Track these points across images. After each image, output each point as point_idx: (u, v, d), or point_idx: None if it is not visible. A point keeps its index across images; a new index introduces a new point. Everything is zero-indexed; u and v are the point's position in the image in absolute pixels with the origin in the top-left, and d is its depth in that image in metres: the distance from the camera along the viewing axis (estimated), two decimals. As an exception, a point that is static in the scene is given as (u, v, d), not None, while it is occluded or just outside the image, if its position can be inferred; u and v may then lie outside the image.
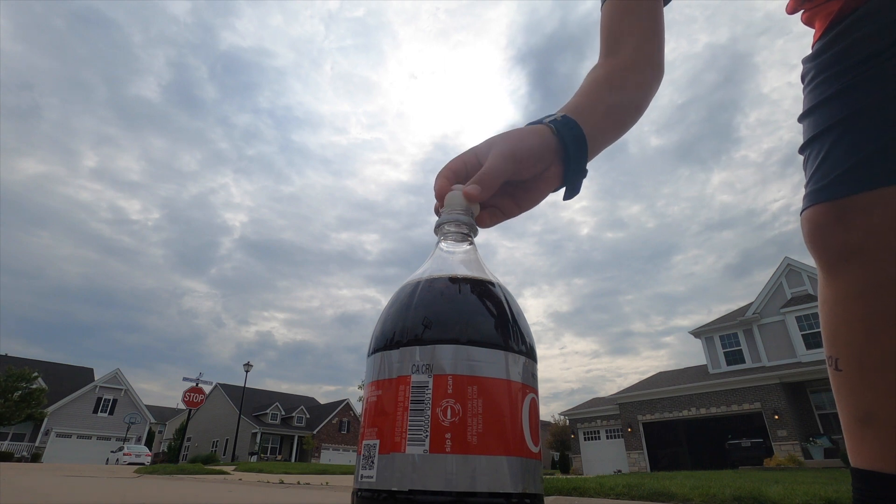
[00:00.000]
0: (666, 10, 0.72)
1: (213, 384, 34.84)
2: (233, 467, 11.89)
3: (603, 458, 21.28)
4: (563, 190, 0.55)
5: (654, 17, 0.70)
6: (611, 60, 0.67)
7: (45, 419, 29.77)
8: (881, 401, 0.53)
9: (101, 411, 33.07)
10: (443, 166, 0.50)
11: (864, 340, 0.55)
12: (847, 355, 0.57)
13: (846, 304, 0.58)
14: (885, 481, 0.52)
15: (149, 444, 36.67)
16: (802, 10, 0.72)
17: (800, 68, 0.71)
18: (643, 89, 0.67)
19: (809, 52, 0.69)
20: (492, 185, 0.46)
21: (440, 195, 0.48)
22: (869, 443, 0.54)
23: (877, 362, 0.54)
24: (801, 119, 0.68)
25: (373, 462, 0.35)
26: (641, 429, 18.85)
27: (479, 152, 0.49)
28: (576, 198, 0.57)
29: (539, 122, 0.54)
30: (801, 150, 0.68)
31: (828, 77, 0.63)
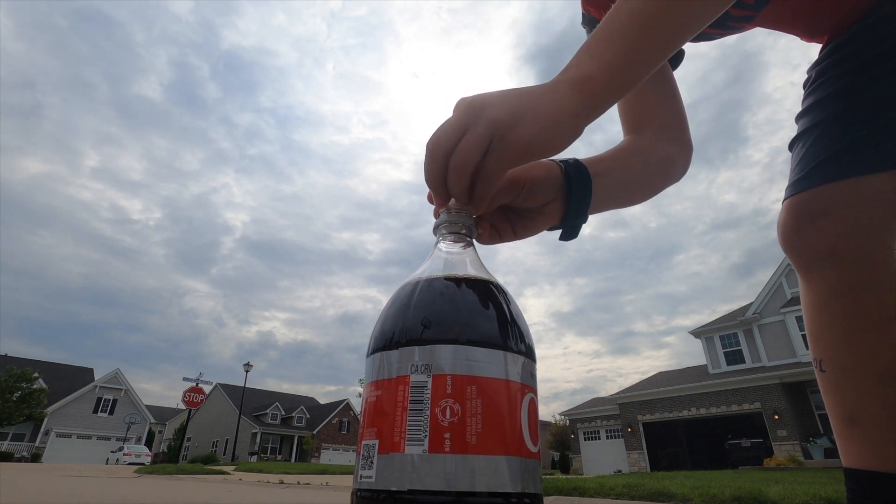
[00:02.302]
0: None
1: (213, 384, 34.86)
2: (233, 467, 11.89)
3: (603, 458, 21.28)
4: (560, 231, 0.55)
5: (668, 86, 0.72)
6: (636, 136, 0.69)
7: (45, 419, 29.76)
8: (865, 400, 0.54)
9: (101, 411, 33.05)
10: None
11: (845, 342, 0.56)
12: (830, 357, 0.58)
13: (825, 307, 0.59)
14: (875, 480, 0.52)
15: (149, 444, 36.65)
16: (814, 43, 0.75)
17: (803, 67, 0.73)
18: (670, 161, 0.68)
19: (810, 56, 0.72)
20: (488, 203, 0.46)
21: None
22: (856, 442, 0.55)
23: (857, 363, 0.55)
24: (796, 119, 0.70)
25: (372, 462, 0.35)
26: (641, 429, 18.85)
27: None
28: None
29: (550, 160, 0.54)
30: (790, 146, 0.70)
31: (824, 81, 0.65)
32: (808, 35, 0.74)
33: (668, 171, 0.68)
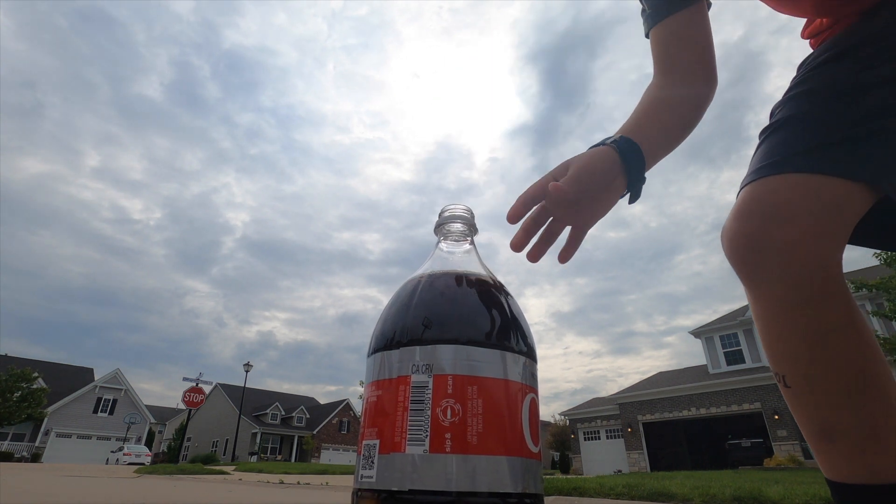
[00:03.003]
0: None
1: (213, 384, 34.90)
2: (233, 467, 11.89)
3: (603, 458, 21.29)
4: (627, 196, 0.65)
5: (703, 28, 0.73)
6: (668, 78, 0.73)
7: (45, 419, 29.77)
8: (836, 413, 0.52)
9: (101, 411, 33.06)
10: (525, 190, 0.58)
11: (806, 355, 0.53)
12: (793, 371, 0.55)
13: (779, 319, 0.55)
14: (855, 491, 0.51)
15: (149, 444, 36.67)
16: (812, 39, 0.74)
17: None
18: (698, 103, 0.73)
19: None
20: (574, 187, 0.55)
21: (514, 217, 0.55)
22: (833, 455, 0.53)
23: (822, 374, 0.52)
24: (773, 109, 0.67)
25: (373, 462, 0.35)
26: (641, 429, 18.86)
27: (556, 174, 0.58)
28: None
29: (602, 143, 0.63)
30: (760, 134, 0.67)
31: (803, 79, 0.64)
32: (813, 15, 0.71)
33: (698, 111, 0.73)
